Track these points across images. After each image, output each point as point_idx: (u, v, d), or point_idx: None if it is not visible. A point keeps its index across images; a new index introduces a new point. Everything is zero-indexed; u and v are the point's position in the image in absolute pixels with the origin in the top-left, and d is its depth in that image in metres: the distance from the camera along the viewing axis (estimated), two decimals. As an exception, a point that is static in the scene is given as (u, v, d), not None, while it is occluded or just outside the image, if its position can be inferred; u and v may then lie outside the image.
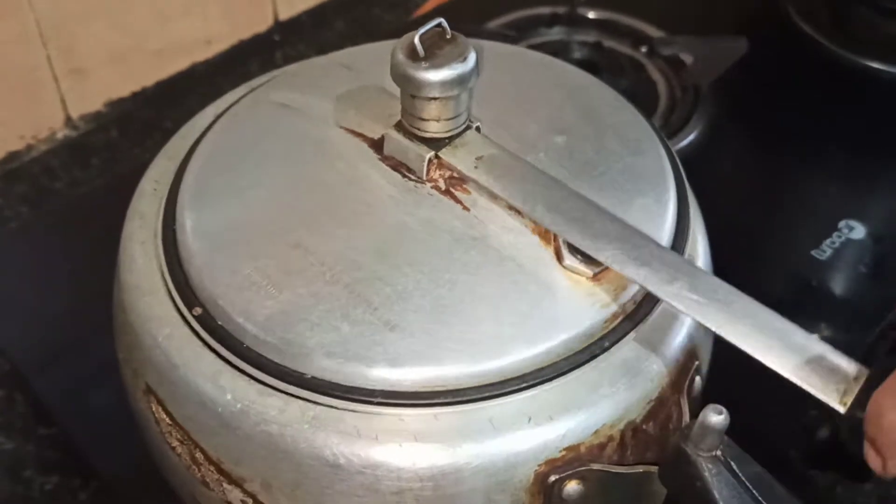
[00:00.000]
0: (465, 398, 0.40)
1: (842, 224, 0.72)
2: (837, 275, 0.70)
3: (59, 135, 0.84)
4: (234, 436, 0.41)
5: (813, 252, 0.70)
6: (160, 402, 0.44)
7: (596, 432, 0.41)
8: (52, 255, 0.73)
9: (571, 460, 0.41)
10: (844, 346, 0.65)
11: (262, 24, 0.95)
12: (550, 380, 0.41)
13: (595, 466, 0.41)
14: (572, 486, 0.41)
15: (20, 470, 0.62)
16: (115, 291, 0.47)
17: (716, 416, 0.38)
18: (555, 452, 0.41)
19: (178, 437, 0.43)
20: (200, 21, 0.90)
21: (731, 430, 0.39)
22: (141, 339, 0.44)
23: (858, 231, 0.72)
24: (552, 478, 0.41)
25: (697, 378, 0.45)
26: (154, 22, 0.85)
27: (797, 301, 0.68)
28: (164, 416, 0.44)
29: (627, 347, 0.43)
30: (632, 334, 0.43)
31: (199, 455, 0.43)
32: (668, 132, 0.75)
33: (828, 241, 0.71)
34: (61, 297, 0.68)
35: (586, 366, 0.42)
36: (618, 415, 0.42)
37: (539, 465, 0.41)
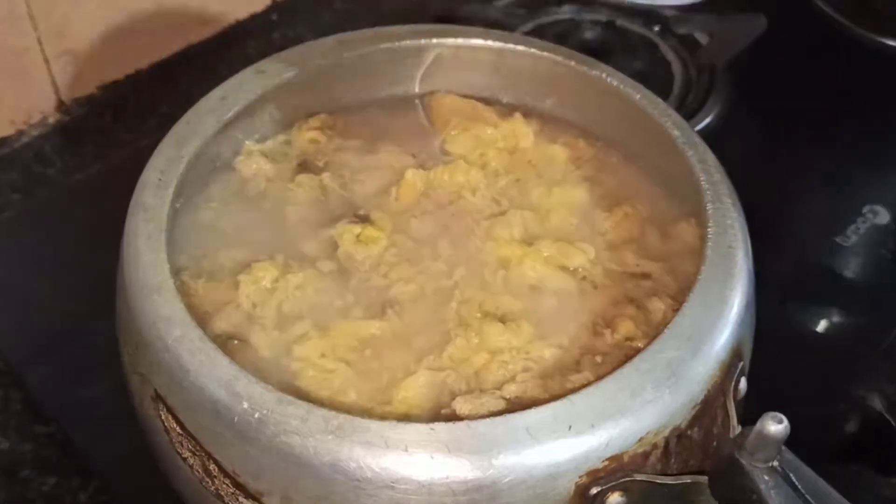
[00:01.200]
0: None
1: (866, 209, 0.69)
2: (861, 261, 0.67)
3: (51, 120, 0.80)
4: (251, 447, 0.38)
5: (836, 238, 0.67)
6: (170, 410, 0.40)
7: (640, 440, 0.38)
8: (45, 245, 0.69)
9: (614, 471, 0.38)
10: (868, 333, 0.64)
11: (260, 4, 0.91)
12: (590, 384, 0.38)
13: (639, 477, 0.38)
14: (615, 499, 0.38)
15: (17, 470, 0.59)
16: (119, 290, 0.44)
17: (775, 426, 0.35)
18: (597, 463, 0.37)
19: (190, 447, 0.40)
20: (196, 1, 0.86)
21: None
22: (149, 342, 0.40)
23: (883, 216, 0.69)
24: (594, 490, 0.38)
25: (742, 379, 0.42)
26: (148, 1, 0.81)
27: (820, 288, 0.66)
28: (175, 424, 0.40)
29: (671, 347, 0.39)
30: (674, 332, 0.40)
31: (212, 467, 0.39)
32: (683, 115, 0.71)
33: (852, 227, 0.68)
34: (55, 288, 0.64)
35: (628, 367, 0.39)
36: (663, 421, 0.38)
37: (580, 477, 0.37)
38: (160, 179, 0.45)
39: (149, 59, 0.84)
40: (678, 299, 0.48)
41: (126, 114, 0.81)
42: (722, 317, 0.41)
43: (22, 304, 0.64)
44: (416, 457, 0.37)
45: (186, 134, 0.47)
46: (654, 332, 0.47)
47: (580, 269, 0.51)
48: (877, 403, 0.61)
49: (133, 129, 0.80)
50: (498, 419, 0.37)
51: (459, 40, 0.55)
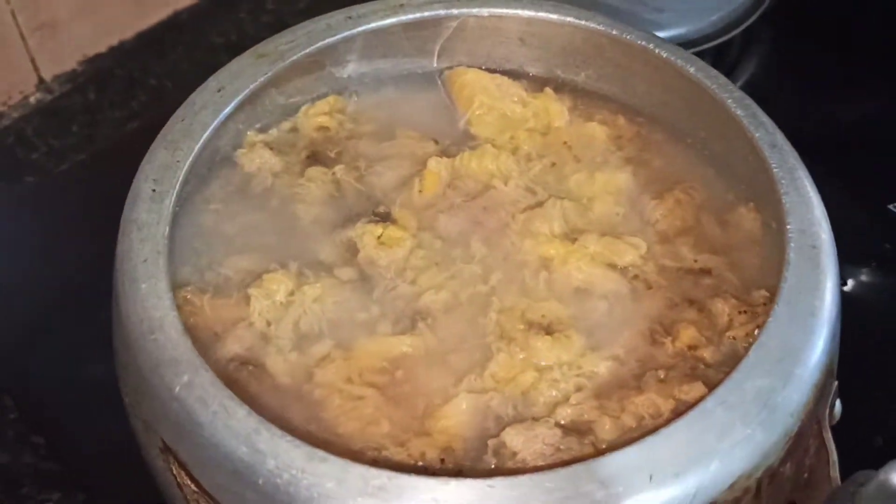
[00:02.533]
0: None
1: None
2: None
3: (32, 99, 0.73)
4: (279, 511, 0.32)
5: (891, 206, 0.61)
6: (182, 466, 0.34)
7: (731, 486, 0.32)
8: (30, 235, 0.63)
9: (702, 523, 0.32)
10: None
11: (248, -33, 0.83)
12: (668, 423, 0.32)
13: (732, 529, 0.32)
14: (704, 553, 0.32)
15: (17, 487, 0.53)
16: (115, 324, 0.37)
17: (903, 478, 0.29)
18: (684, 516, 0.32)
19: (208, 506, 0.34)
20: (179, -35, 0.78)
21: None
22: (152, 389, 0.34)
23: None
24: (681, 545, 0.32)
25: (837, 402, 0.36)
26: (131, -36, 0.74)
27: (871, 257, 0.60)
28: (189, 481, 0.34)
29: (758, 373, 0.33)
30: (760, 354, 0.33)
31: (235, 529, 0.33)
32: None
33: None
34: (41, 282, 0.59)
35: (711, 401, 0.33)
36: (755, 462, 0.33)
37: (665, 533, 0.32)
38: (154, 191, 0.38)
39: (133, 28, 0.76)
40: (743, 299, 0.43)
41: (111, 89, 0.74)
42: (813, 333, 0.35)
43: (6, 300, 0.58)
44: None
45: (181, 134, 0.40)
46: (719, 338, 0.42)
47: (631, 268, 0.44)
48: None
49: (120, 105, 0.74)
50: (566, 470, 0.31)
51: (482, 10, 0.47)
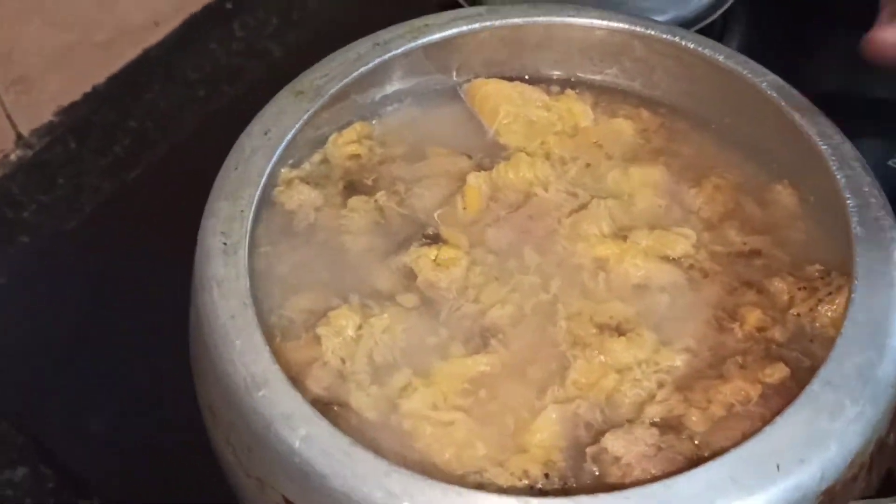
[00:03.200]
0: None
1: (911, 123, 0.64)
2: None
3: (13, 156, 0.70)
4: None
5: (890, 162, 0.63)
6: (309, 520, 0.33)
7: (850, 464, 0.33)
8: (31, 304, 0.60)
9: (829, 502, 0.33)
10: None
11: (213, -7, 0.81)
12: (781, 412, 0.32)
13: (856, 504, 0.33)
14: (832, 533, 0.33)
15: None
16: (209, 385, 0.36)
17: None
18: (812, 500, 0.32)
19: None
20: (144, 1, 0.76)
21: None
22: (268, 445, 0.33)
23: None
24: (811, 529, 0.33)
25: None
26: (95, 10, 0.71)
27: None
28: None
29: (855, 350, 0.34)
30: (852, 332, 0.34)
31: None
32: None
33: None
34: (45, 339, 0.57)
35: (817, 384, 0.33)
36: (867, 436, 0.33)
37: (798, 519, 0.32)
38: (225, 244, 0.37)
39: (104, 72, 0.74)
40: (798, 275, 0.44)
41: (91, 137, 0.72)
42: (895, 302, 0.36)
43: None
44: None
45: (238, 183, 0.39)
46: (783, 317, 0.42)
47: (685, 258, 0.45)
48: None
49: (103, 152, 0.71)
50: (698, 472, 0.32)
51: (505, 20, 0.47)
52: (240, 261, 0.37)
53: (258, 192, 0.39)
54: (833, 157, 0.40)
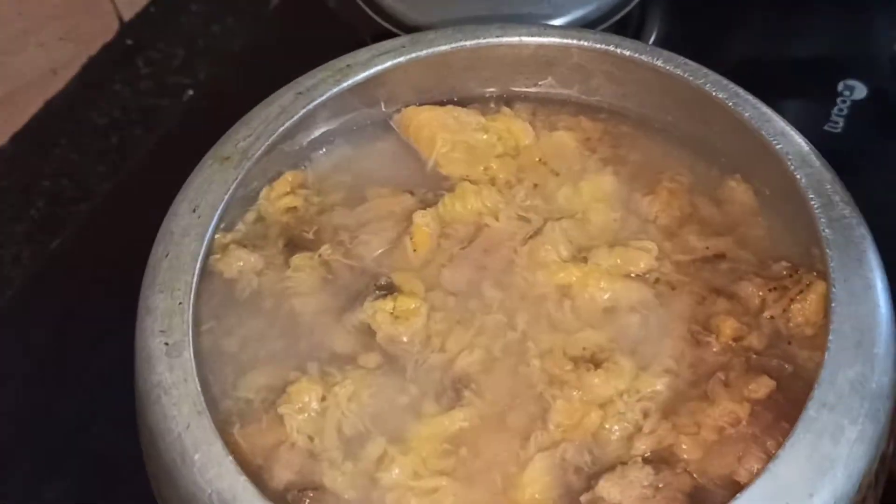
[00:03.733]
0: None
1: (840, 86, 0.63)
2: (856, 145, 0.61)
3: (-79, 239, 0.65)
4: None
5: (826, 127, 0.62)
6: None
7: (858, 487, 0.31)
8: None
9: (842, 532, 0.31)
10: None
11: (108, 32, 0.76)
12: (780, 444, 0.31)
13: (867, 527, 0.31)
14: (849, 561, 0.31)
15: None
16: (168, 498, 0.33)
17: None
18: (828, 533, 0.31)
19: None
20: (38, 50, 0.71)
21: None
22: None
23: (860, 90, 0.63)
24: (828, 562, 0.31)
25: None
26: (-16, 68, 0.66)
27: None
28: None
29: (844, 364, 0.32)
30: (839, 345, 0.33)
31: None
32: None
33: (835, 111, 0.62)
34: None
35: (812, 408, 0.32)
36: (871, 454, 0.32)
37: (815, 556, 0.31)
38: (167, 344, 0.34)
39: (7, 130, 0.69)
40: (766, 275, 0.42)
41: (4, 203, 0.68)
42: (878, 304, 0.35)
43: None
44: None
45: (173, 272, 0.36)
46: (757, 322, 0.41)
47: (650, 272, 0.43)
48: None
49: (19, 218, 0.67)
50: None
51: (431, 50, 0.44)
52: (186, 363, 0.33)
53: (195, 281, 0.36)
54: (790, 157, 0.39)
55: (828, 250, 0.36)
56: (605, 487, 0.36)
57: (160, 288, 0.36)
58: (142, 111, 0.74)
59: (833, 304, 0.34)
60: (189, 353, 0.34)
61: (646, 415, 0.39)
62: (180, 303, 0.35)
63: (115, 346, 0.49)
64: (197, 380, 0.33)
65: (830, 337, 0.33)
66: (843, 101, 0.63)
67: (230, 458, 0.32)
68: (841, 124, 0.62)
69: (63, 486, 0.50)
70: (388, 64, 0.43)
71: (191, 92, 0.73)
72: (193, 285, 0.36)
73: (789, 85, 0.64)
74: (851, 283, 0.35)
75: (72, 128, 0.71)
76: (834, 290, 0.35)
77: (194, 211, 0.38)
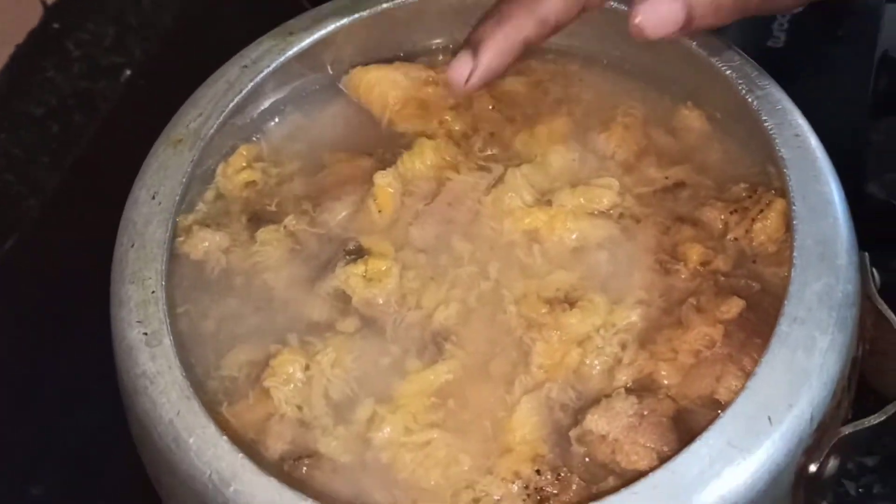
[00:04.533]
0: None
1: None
2: (798, 57, 0.63)
3: None
4: None
5: (769, 43, 0.63)
6: None
7: (833, 394, 0.33)
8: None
9: (822, 437, 0.33)
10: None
11: (32, 18, 0.75)
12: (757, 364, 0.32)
13: (847, 430, 0.33)
14: (832, 464, 0.33)
15: None
16: (174, 488, 0.34)
17: None
18: (809, 440, 0.32)
19: None
20: (-40, 44, 0.69)
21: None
22: None
23: (799, 1, 0.64)
24: (812, 467, 0.33)
25: (874, 270, 0.37)
26: None
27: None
28: None
29: (811, 278, 0.34)
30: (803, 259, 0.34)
31: None
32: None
33: (776, 26, 0.64)
34: None
35: (784, 323, 0.33)
36: (842, 360, 0.34)
37: (798, 462, 0.32)
38: (146, 334, 0.34)
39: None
40: (726, 199, 0.43)
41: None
42: (837, 218, 0.36)
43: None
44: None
45: (140, 263, 0.36)
46: (722, 245, 0.42)
47: (613, 208, 0.44)
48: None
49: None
50: (695, 447, 0.31)
51: (373, 9, 0.44)
52: (167, 350, 0.34)
53: (164, 266, 0.36)
54: (740, 81, 0.40)
55: (785, 170, 0.37)
56: (593, 420, 0.37)
57: (131, 279, 0.36)
58: (78, 96, 0.73)
59: (795, 222, 0.36)
60: (169, 340, 0.34)
61: (623, 347, 0.40)
62: (153, 291, 0.35)
63: (83, 344, 0.50)
64: (180, 365, 0.34)
65: (795, 253, 0.35)
66: (783, 16, 0.64)
67: (224, 437, 0.33)
68: (782, 39, 0.63)
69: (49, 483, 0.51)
70: (333, 27, 0.43)
71: (128, 72, 0.71)
72: (163, 273, 0.36)
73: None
74: (810, 199, 0.36)
75: (9, 122, 0.70)
76: (794, 207, 0.36)
77: (154, 198, 0.38)
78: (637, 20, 0.38)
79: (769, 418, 0.32)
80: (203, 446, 0.32)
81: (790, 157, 0.37)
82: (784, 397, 0.32)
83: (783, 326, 0.33)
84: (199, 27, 0.72)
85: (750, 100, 0.39)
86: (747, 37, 0.63)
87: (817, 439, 0.33)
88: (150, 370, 0.34)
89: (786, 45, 0.63)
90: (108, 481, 0.50)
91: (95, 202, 0.48)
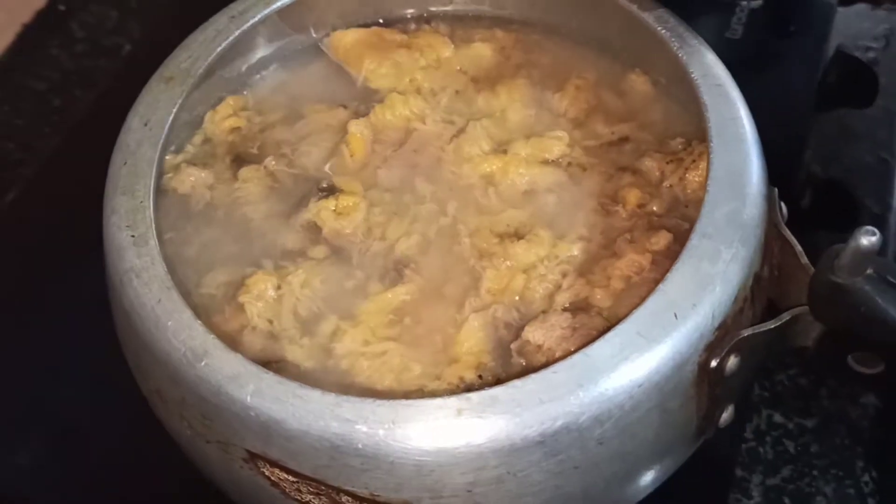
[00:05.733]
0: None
1: (738, -6, 0.71)
2: (756, 49, 0.69)
3: None
4: (385, 465, 0.36)
5: (727, 35, 0.69)
6: (275, 464, 0.37)
7: (735, 299, 0.39)
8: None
9: (723, 337, 0.39)
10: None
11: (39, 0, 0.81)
12: (669, 270, 0.38)
13: (745, 332, 0.39)
14: (732, 362, 0.39)
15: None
16: (150, 371, 0.39)
17: (869, 239, 0.36)
18: (710, 336, 0.38)
19: (312, 489, 0.37)
20: (-31, 19, 0.76)
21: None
22: (222, 408, 0.37)
23: (756, -1, 0.71)
24: (713, 362, 0.38)
25: (782, 204, 0.43)
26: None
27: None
28: (287, 475, 0.37)
29: (722, 201, 0.40)
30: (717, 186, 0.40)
31: (345, 499, 0.37)
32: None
33: (734, 19, 0.70)
34: None
35: (696, 238, 0.39)
36: (745, 272, 0.39)
37: (700, 356, 0.38)
38: (134, 236, 0.40)
39: (-55, 98, 0.74)
40: (665, 151, 0.49)
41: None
42: (749, 153, 0.42)
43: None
44: (561, 401, 0.36)
45: (132, 177, 0.42)
46: (658, 191, 0.48)
47: (562, 158, 0.50)
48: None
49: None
50: (609, 336, 0.37)
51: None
52: (152, 249, 0.40)
53: (153, 182, 0.42)
54: (673, 40, 0.46)
55: (706, 113, 0.43)
56: (530, 331, 0.43)
57: (122, 191, 0.42)
58: (80, 73, 0.78)
59: (711, 155, 0.42)
60: (154, 242, 0.40)
61: (564, 275, 0.46)
62: (142, 202, 0.41)
63: (65, 296, 0.53)
64: (164, 263, 0.40)
65: (709, 181, 0.41)
66: (741, 10, 0.71)
67: (199, 321, 0.38)
68: (740, 31, 0.69)
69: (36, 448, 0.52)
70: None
71: (128, 47, 0.77)
72: (152, 186, 0.42)
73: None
74: (725, 137, 0.42)
75: (10, 94, 0.76)
76: (712, 144, 0.42)
77: (146, 125, 0.44)
78: None
79: (675, 314, 0.37)
80: (179, 328, 0.38)
81: (711, 103, 0.43)
82: (689, 297, 0.38)
83: (693, 240, 0.39)
84: (198, 8, 0.78)
85: (680, 55, 0.45)
86: (708, 28, 0.69)
87: (719, 337, 0.38)
88: (136, 265, 0.40)
89: (743, 37, 0.69)
90: (94, 451, 0.52)
91: (90, 165, 0.51)
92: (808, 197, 0.65)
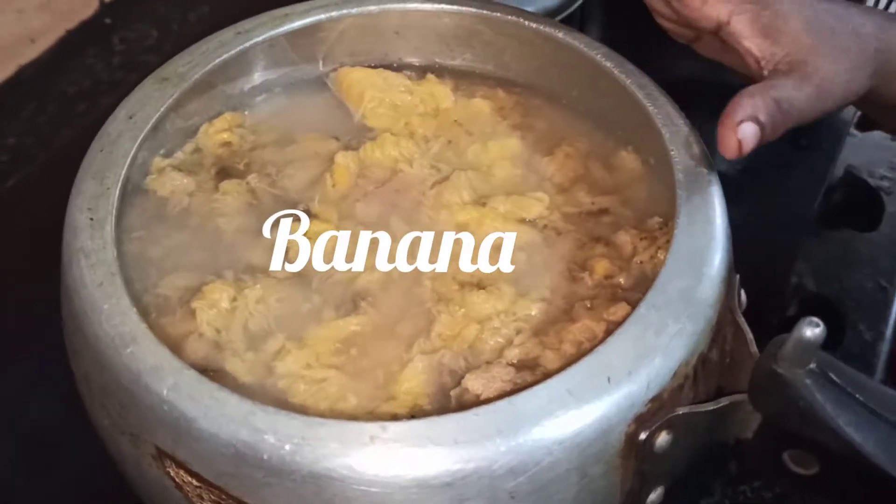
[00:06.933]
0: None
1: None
2: (765, 159, 0.69)
3: None
4: (289, 482, 0.35)
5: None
6: (181, 465, 0.36)
7: (675, 374, 0.38)
8: None
9: (657, 410, 0.37)
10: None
11: (87, 9, 0.84)
12: (612, 333, 0.37)
13: (681, 410, 0.38)
14: (663, 438, 0.38)
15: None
16: (80, 352, 0.39)
17: (812, 330, 0.35)
18: (641, 408, 0.37)
19: (213, 497, 0.36)
20: (16, 17, 0.78)
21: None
22: (139, 399, 0.36)
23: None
24: (642, 435, 0.37)
25: (742, 292, 0.42)
26: (-39, 29, 0.74)
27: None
28: (190, 478, 0.36)
29: (677, 277, 0.39)
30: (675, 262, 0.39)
31: (245, 512, 0.36)
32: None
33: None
34: None
35: (644, 307, 0.38)
36: (689, 350, 0.38)
37: (629, 425, 0.37)
38: (92, 219, 0.40)
39: (-22, 91, 0.76)
40: (641, 228, 0.49)
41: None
42: (714, 237, 0.41)
43: None
44: (475, 446, 0.35)
45: (105, 164, 0.42)
46: (628, 265, 0.47)
47: (539, 219, 0.50)
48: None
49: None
50: (537, 388, 0.36)
51: (361, 8, 0.52)
52: (106, 235, 0.40)
53: (123, 172, 0.42)
54: (659, 116, 0.46)
55: (678, 190, 0.43)
56: (470, 380, 0.42)
57: (92, 175, 0.42)
58: (110, 83, 0.80)
59: (676, 230, 0.41)
60: (110, 227, 0.40)
61: (518, 332, 0.45)
62: (108, 188, 0.41)
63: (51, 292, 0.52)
64: (115, 249, 0.40)
65: (668, 255, 0.40)
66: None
67: (134, 309, 0.38)
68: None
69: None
70: (323, 17, 0.51)
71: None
72: (122, 176, 0.42)
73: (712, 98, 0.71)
74: (693, 216, 0.42)
75: (41, 94, 0.78)
76: (678, 220, 0.41)
77: (131, 118, 0.45)
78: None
79: (608, 378, 0.36)
80: (113, 313, 0.38)
81: (684, 181, 0.43)
82: (626, 364, 0.37)
83: (641, 309, 0.38)
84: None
85: (664, 132, 0.45)
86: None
87: (652, 410, 0.37)
88: (86, 246, 0.40)
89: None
90: (63, 459, 0.52)
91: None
92: (794, 308, 0.63)
